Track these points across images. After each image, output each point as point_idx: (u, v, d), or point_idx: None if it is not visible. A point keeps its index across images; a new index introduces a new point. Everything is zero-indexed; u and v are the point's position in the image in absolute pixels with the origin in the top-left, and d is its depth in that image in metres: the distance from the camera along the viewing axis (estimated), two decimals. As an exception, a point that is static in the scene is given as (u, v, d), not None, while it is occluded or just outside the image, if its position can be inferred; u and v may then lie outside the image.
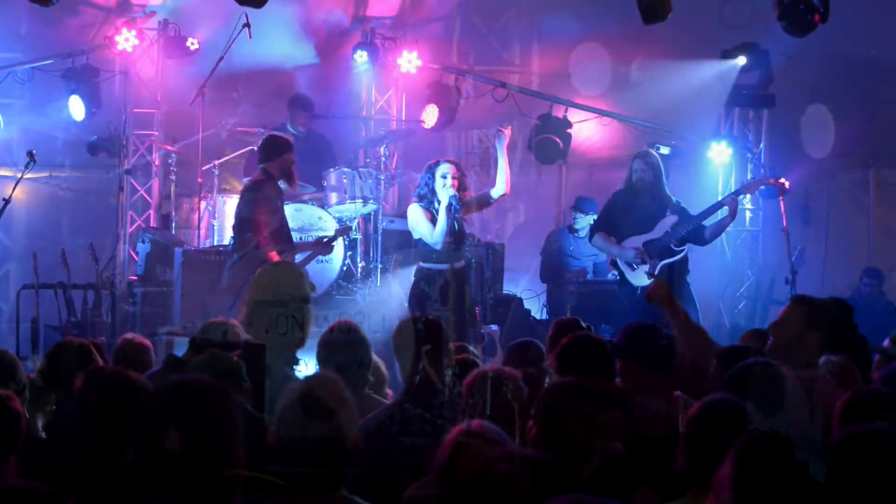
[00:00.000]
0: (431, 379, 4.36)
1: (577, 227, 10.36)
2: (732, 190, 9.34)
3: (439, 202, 7.87)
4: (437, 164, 7.96)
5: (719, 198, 9.02)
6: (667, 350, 4.52)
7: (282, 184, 8.16)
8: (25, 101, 10.46)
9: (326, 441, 2.80)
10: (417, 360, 4.42)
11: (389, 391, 5.14)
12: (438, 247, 7.87)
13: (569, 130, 11.00)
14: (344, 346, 4.70)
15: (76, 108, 10.33)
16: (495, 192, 8.19)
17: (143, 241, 10.02)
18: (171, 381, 2.75)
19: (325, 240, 8.94)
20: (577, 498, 2.15)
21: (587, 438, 3.46)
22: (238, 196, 10.33)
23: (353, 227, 9.86)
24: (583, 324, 5.34)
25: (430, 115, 10.69)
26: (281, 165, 8.06)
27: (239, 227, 8.01)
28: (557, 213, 12.43)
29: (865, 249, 12.01)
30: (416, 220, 7.99)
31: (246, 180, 8.24)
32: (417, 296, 8.06)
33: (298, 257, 8.49)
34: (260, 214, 7.83)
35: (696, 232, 8.26)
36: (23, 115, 10.60)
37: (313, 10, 10.72)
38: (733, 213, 8.21)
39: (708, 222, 8.33)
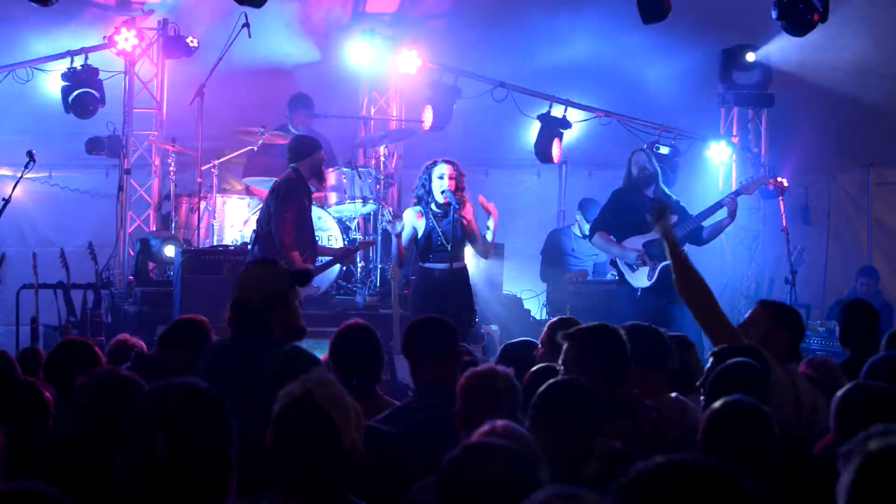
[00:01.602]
0: (442, 379, 4.36)
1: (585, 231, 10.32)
2: (732, 190, 9.32)
3: (436, 202, 7.87)
4: (435, 164, 7.96)
5: (719, 198, 9.00)
6: (663, 350, 4.52)
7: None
8: (25, 101, 10.44)
9: (323, 444, 2.79)
10: (428, 360, 4.42)
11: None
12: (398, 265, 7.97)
13: (568, 130, 11.01)
14: (358, 346, 4.69)
15: (78, 107, 10.33)
16: (478, 247, 8.11)
17: (136, 241, 10.06)
18: (161, 383, 2.72)
19: (350, 248, 8.97)
20: (560, 490, 2.11)
21: (585, 438, 3.46)
22: (237, 196, 10.43)
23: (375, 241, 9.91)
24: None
25: (429, 116, 10.70)
26: (310, 165, 8.13)
27: (265, 223, 8.07)
28: (557, 213, 12.43)
29: (865, 249, 12.01)
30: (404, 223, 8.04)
31: (276, 179, 8.31)
32: (416, 295, 8.06)
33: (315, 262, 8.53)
34: (286, 213, 7.90)
35: (694, 232, 8.25)
36: (23, 114, 10.59)
37: (312, 7, 10.70)
38: (732, 214, 8.20)
39: (706, 223, 8.33)
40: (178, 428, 2.50)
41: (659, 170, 8.54)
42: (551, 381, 3.72)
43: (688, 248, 8.31)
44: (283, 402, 2.84)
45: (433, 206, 7.89)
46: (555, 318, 5.53)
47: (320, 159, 8.22)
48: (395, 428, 4.24)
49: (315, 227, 9.40)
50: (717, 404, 3.41)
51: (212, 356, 4.44)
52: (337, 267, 9.46)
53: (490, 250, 8.16)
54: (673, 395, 4.51)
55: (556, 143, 10.91)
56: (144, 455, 2.49)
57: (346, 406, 2.86)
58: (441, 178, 7.85)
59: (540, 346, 5.07)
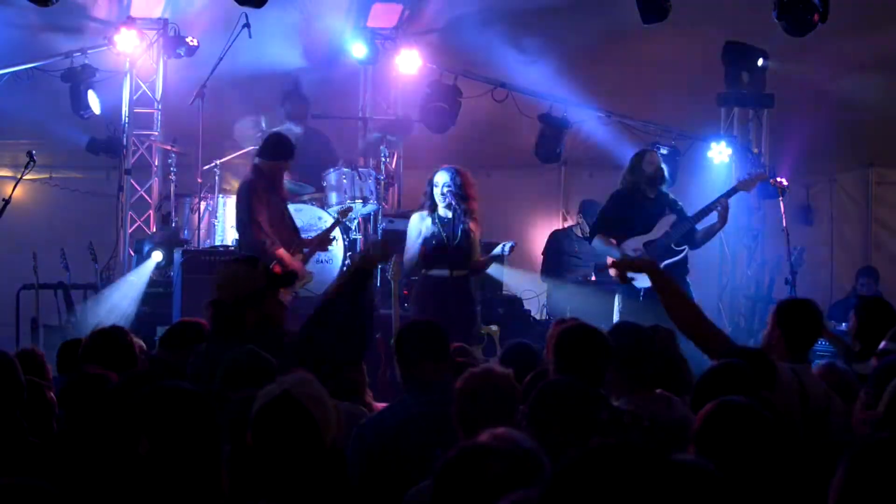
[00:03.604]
0: (434, 378, 4.38)
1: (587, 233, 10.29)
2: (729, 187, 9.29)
3: (437, 213, 7.87)
4: (437, 171, 7.96)
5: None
6: (647, 349, 4.55)
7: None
8: (25, 102, 10.45)
9: (303, 442, 2.79)
10: (419, 362, 4.44)
11: (370, 391, 5.17)
12: (406, 268, 7.82)
13: (568, 130, 11.02)
14: None
15: (93, 103, 10.36)
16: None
17: (133, 242, 10.09)
18: (147, 387, 2.71)
19: (328, 233, 8.70)
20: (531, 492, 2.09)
21: (582, 437, 3.46)
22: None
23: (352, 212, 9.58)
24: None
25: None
26: (272, 168, 8.03)
27: (241, 229, 8.01)
28: (557, 213, 12.43)
29: (866, 249, 12.01)
30: (409, 231, 8.00)
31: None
32: (417, 300, 8.06)
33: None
34: (257, 214, 7.81)
35: (689, 234, 8.24)
36: (23, 114, 10.59)
37: (314, 18, 10.71)
38: (723, 219, 8.15)
39: (701, 225, 8.31)
40: (160, 430, 2.48)
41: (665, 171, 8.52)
42: (545, 381, 3.74)
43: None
44: (261, 402, 2.84)
45: (439, 213, 7.88)
46: (557, 319, 5.55)
47: (284, 167, 8.12)
48: (385, 426, 4.26)
49: (315, 227, 9.42)
50: (709, 404, 3.40)
51: (195, 357, 4.45)
52: (337, 267, 9.47)
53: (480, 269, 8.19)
54: (658, 390, 4.54)
55: (556, 143, 10.92)
56: (128, 457, 2.49)
57: (326, 403, 2.87)
58: (436, 185, 7.84)
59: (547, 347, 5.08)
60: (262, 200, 7.86)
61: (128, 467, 2.52)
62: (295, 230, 8.30)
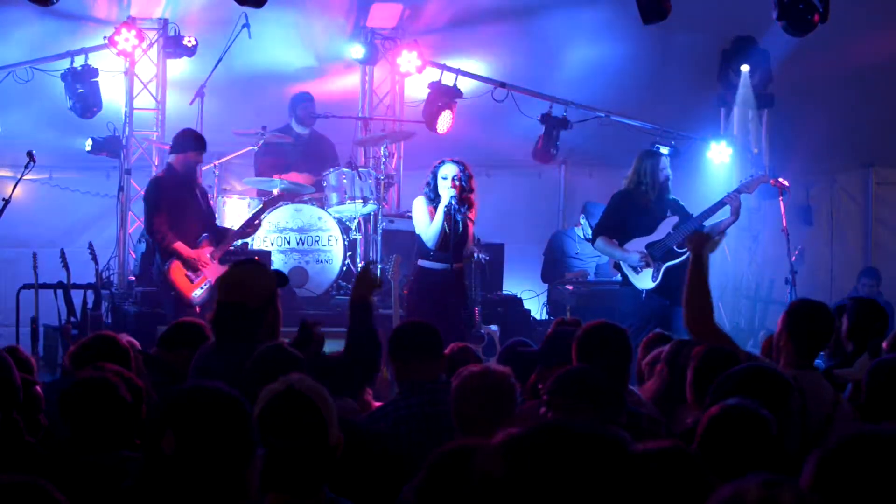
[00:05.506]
0: (425, 380, 4.39)
1: (588, 234, 10.28)
2: (733, 189, 9.29)
3: (438, 206, 7.87)
4: (441, 163, 7.96)
5: (720, 198, 8.96)
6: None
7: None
8: (25, 101, 10.44)
9: (311, 435, 2.80)
10: (413, 362, 4.44)
11: (369, 390, 5.19)
12: (430, 244, 7.85)
13: (569, 130, 11.02)
14: None
15: (81, 106, 10.35)
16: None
17: (140, 241, 10.03)
18: (180, 387, 2.75)
19: (253, 219, 8.71)
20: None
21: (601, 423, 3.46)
22: (238, 196, 10.41)
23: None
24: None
25: (444, 122, 10.69)
26: (184, 161, 8.19)
27: (145, 224, 8.28)
28: (557, 213, 12.43)
29: (866, 249, 12.02)
30: (417, 213, 7.98)
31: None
32: (415, 294, 8.05)
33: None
34: (155, 212, 8.05)
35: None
36: (23, 115, 10.58)
37: (314, 18, 10.70)
38: (736, 213, 8.14)
39: (708, 222, 8.30)
40: (188, 427, 2.51)
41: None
42: (567, 367, 3.77)
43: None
44: (266, 397, 2.85)
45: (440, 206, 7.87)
46: (557, 319, 5.55)
47: (194, 160, 8.28)
48: (379, 425, 4.27)
49: (315, 227, 9.42)
50: (714, 408, 3.38)
51: (200, 359, 4.45)
52: (337, 267, 9.47)
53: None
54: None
55: (554, 144, 10.94)
56: (155, 453, 2.52)
57: (328, 400, 2.88)
58: (445, 178, 7.84)
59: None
60: (165, 197, 8.06)
61: (152, 465, 2.54)
62: (209, 227, 8.38)
